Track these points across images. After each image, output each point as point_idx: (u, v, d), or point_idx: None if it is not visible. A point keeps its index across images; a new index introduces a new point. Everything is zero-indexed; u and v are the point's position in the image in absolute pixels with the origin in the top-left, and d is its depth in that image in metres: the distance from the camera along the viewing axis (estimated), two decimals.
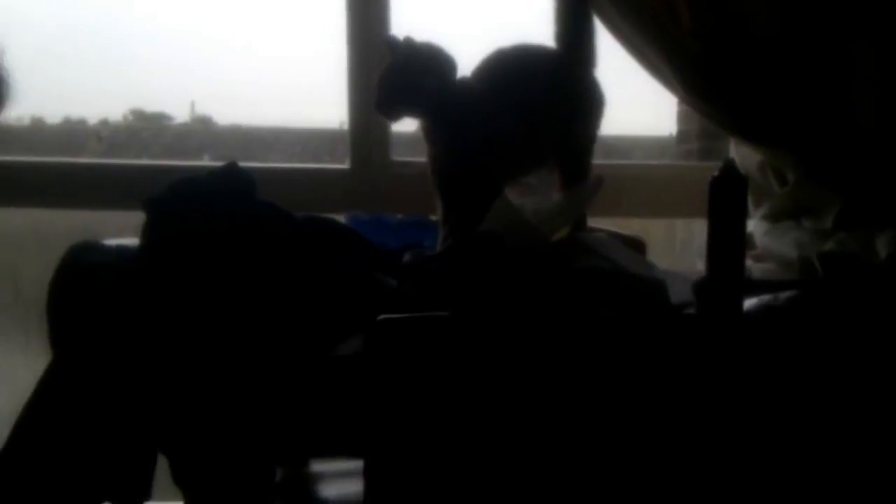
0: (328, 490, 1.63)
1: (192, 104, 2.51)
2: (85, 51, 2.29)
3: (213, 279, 1.30)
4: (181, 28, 2.32)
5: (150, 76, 2.32)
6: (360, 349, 1.25)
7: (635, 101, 2.09)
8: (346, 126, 2.16)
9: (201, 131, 2.50)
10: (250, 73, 2.32)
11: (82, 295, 1.32)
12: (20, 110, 2.41)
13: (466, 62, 1.57)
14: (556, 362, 1.17)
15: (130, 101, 2.48)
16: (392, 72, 1.53)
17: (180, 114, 2.53)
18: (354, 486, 1.65)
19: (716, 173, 1.32)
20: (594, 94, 1.59)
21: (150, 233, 1.36)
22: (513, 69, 1.55)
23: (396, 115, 1.58)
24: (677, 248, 2.17)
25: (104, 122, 2.47)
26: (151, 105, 2.52)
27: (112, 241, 1.44)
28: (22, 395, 2.21)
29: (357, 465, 1.77)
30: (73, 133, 2.45)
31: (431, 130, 1.56)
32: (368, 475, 1.20)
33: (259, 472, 1.45)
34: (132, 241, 1.42)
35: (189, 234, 1.33)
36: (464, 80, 1.55)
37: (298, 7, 2.32)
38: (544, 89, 1.53)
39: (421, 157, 2.06)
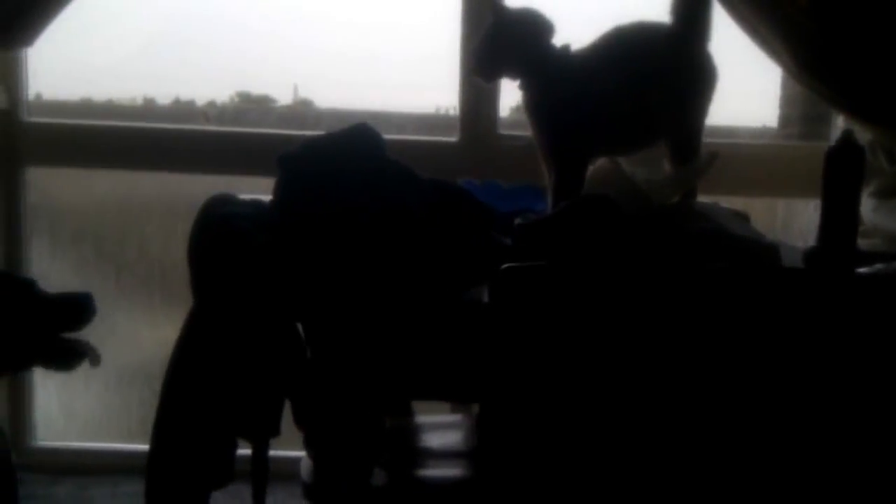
0: (431, 440, 1.71)
1: (295, 87, 2.61)
2: (195, 35, 2.40)
3: (342, 233, 1.38)
4: (287, 14, 2.42)
5: (256, 60, 2.43)
6: (480, 299, 1.33)
7: (731, 92, 2.10)
8: (442, 111, 2.33)
9: (303, 113, 2.60)
10: (351, 59, 2.41)
11: (220, 241, 1.42)
12: (134, 91, 2.58)
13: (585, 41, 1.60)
14: (672, 315, 1.21)
15: (237, 84, 2.59)
16: (487, 36, 1.59)
17: (283, 96, 2.63)
18: (454, 437, 1.74)
19: (834, 143, 1.34)
20: (707, 70, 1.60)
21: (283, 188, 1.45)
22: (628, 45, 1.58)
23: (492, 78, 1.63)
24: (778, 228, 2.17)
25: (211, 104, 2.59)
26: (257, 88, 2.63)
27: (245, 196, 1.54)
28: (144, 348, 2.37)
29: (455, 417, 1.87)
30: (182, 113, 2.59)
31: (526, 93, 1.60)
32: (483, 416, 1.26)
33: (372, 418, 1.54)
34: (264, 196, 1.52)
35: (319, 189, 1.41)
36: (563, 47, 1.58)
37: None
38: (659, 67, 1.56)
39: (526, 132, 2.15)
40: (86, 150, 2.23)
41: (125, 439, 2.38)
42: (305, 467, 1.54)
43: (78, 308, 1.63)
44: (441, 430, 1.76)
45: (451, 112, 2.48)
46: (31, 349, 1.59)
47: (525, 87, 1.57)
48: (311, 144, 1.48)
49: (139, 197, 2.36)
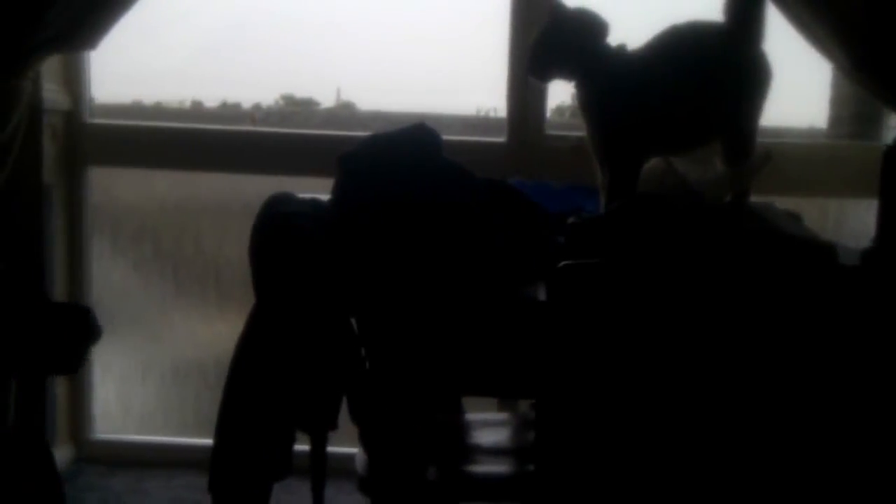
0: (480, 437, 1.73)
1: (338, 91, 2.66)
2: (241, 40, 2.46)
3: (399, 230, 1.41)
4: (329, 18, 2.47)
5: (299, 64, 2.49)
6: (534, 296, 1.35)
7: (780, 92, 2.10)
8: (482, 113, 2.40)
9: (345, 116, 2.65)
10: (391, 62, 2.45)
11: (281, 239, 1.46)
12: (183, 94, 2.65)
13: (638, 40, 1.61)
14: (727, 314, 1.22)
15: (281, 87, 2.65)
16: (544, 35, 1.60)
17: (327, 99, 2.68)
18: (502, 435, 1.76)
19: (892, 142, 1.33)
20: (761, 69, 1.60)
21: (341, 186, 1.48)
22: (682, 45, 1.58)
23: (547, 78, 1.64)
24: (830, 229, 2.16)
25: (257, 106, 2.65)
26: (301, 91, 2.68)
27: (303, 195, 1.58)
28: (199, 344, 2.43)
29: (502, 415, 1.89)
30: (229, 115, 2.65)
31: (580, 94, 1.61)
32: (540, 412, 1.28)
33: (426, 414, 1.57)
34: (322, 195, 1.56)
35: (378, 188, 1.45)
36: (618, 47, 1.60)
37: None
38: (713, 66, 1.56)
39: (573, 132, 2.16)
40: (146, 150, 2.30)
41: (180, 433, 2.44)
42: (360, 461, 1.57)
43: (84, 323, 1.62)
44: (489, 427, 1.78)
45: (492, 114, 2.52)
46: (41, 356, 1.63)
47: (580, 87, 1.58)
48: (370, 143, 1.51)
49: (196, 196, 2.43)
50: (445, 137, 1.65)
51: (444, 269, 1.39)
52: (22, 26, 1.91)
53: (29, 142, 2.07)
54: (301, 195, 1.58)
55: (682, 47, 1.58)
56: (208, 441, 2.36)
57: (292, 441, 1.50)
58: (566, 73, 1.58)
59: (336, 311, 1.46)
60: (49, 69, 2.14)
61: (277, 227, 1.47)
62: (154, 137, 2.32)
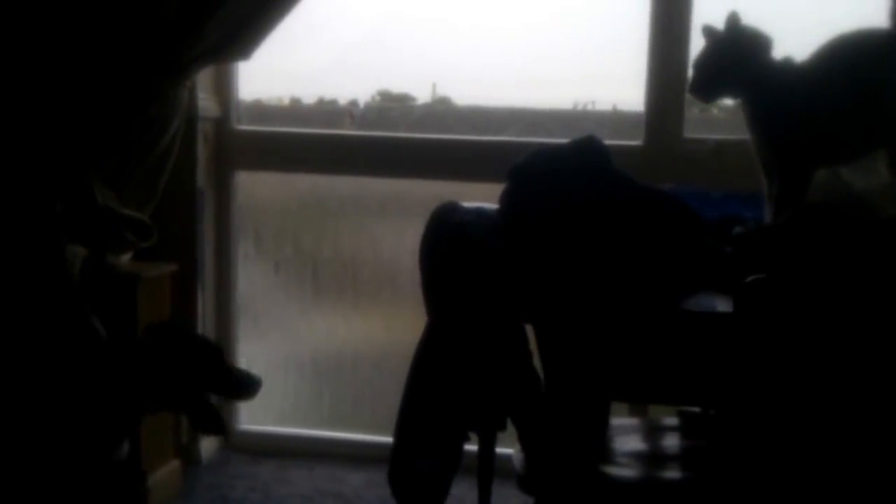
0: (618, 442, 1.76)
1: (434, 86, 2.69)
2: (336, 37, 2.50)
3: (568, 239, 1.45)
4: (423, 14, 2.49)
5: (395, 60, 2.52)
6: (706, 307, 1.38)
7: None
8: (580, 107, 2.42)
9: (442, 111, 2.68)
10: (485, 57, 2.46)
11: (456, 248, 1.51)
12: (281, 91, 2.70)
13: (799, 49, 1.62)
14: None
15: (378, 83, 2.69)
16: (707, 55, 1.62)
17: (423, 95, 2.71)
18: (637, 440, 1.78)
19: None
20: None
21: (513, 196, 1.53)
22: (849, 54, 1.58)
23: (712, 97, 1.67)
24: None
25: (354, 103, 2.69)
26: (396, 87, 2.71)
27: (470, 204, 1.63)
28: (336, 341, 2.51)
29: (634, 421, 1.91)
30: (327, 112, 2.71)
31: (748, 109, 1.62)
32: (722, 420, 1.31)
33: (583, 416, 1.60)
34: (488, 204, 1.60)
35: (548, 199, 1.49)
36: (784, 60, 1.60)
37: None
38: (880, 74, 1.56)
39: (712, 135, 2.16)
40: (288, 155, 2.39)
41: (318, 426, 2.53)
42: (518, 461, 1.62)
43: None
44: (624, 432, 1.79)
45: (590, 107, 2.51)
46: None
47: (747, 103, 1.60)
48: (539, 155, 1.55)
49: (333, 198, 2.51)
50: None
51: (613, 276, 1.43)
52: (181, 39, 2.01)
53: (185, 147, 2.17)
54: (466, 204, 1.63)
55: (848, 56, 1.58)
56: (345, 435, 2.47)
57: (464, 440, 1.56)
58: (732, 91, 1.60)
59: (507, 317, 1.51)
60: (201, 79, 2.23)
61: (452, 236, 1.53)
62: (295, 143, 2.41)
